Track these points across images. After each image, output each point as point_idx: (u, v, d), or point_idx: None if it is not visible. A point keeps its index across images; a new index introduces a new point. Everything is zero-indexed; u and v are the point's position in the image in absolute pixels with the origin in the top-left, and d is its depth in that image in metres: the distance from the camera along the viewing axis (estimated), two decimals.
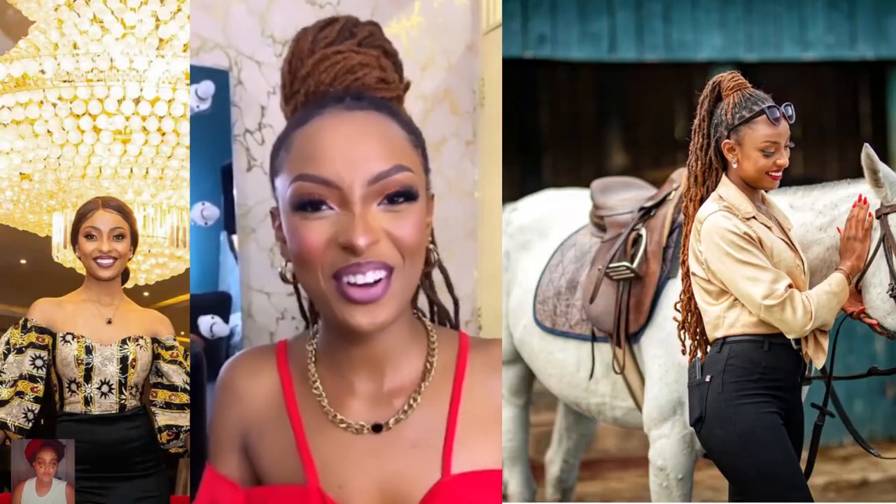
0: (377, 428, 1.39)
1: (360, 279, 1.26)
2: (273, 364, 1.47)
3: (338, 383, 1.41)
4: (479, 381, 1.42)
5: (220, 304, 3.41)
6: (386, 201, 1.28)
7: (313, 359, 1.43)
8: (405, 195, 1.28)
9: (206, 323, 3.35)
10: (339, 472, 1.37)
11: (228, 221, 3.48)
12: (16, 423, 2.62)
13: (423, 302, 1.52)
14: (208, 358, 3.32)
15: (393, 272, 1.28)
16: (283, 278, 1.43)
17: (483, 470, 1.37)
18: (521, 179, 5.62)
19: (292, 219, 1.30)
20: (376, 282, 1.27)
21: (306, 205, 1.28)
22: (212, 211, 3.42)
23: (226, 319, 3.40)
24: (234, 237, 3.48)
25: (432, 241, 1.46)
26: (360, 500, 1.36)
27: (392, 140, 1.30)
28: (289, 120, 1.40)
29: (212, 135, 3.45)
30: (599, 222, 2.91)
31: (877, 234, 2.29)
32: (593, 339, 2.77)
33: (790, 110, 2.24)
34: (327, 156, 1.27)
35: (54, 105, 3.35)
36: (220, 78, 3.46)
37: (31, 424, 2.64)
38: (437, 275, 1.52)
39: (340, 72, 1.35)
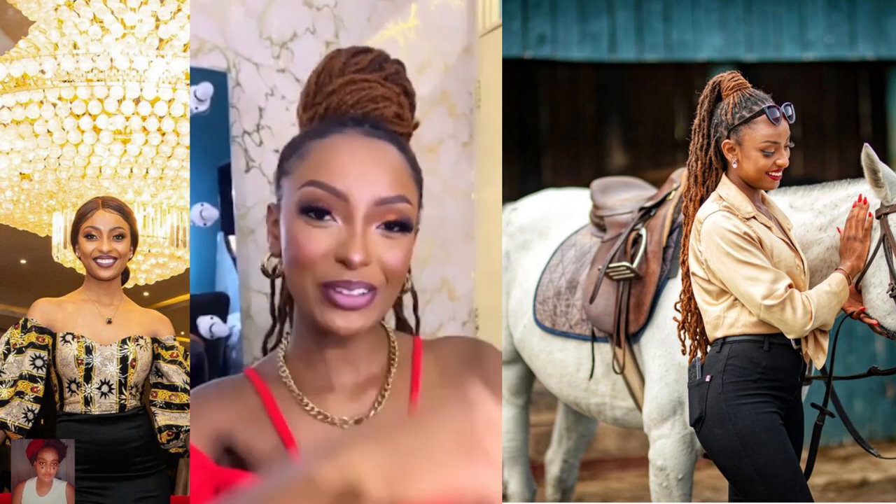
0: (359, 422, 1.45)
1: (344, 293, 1.35)
2: (247, 383, 1.51)
3: (315, 381, 1.48)
4: (435, 371, 1.52)
5: (218, 305, 3.41)
6: (384, 226, 1.38)
7: (283, 362, 1.50)
8: (402, 225, 1.39)
9: (206, 323, 3.34)
10: None
11: (225, 222, 3.47)
12: (16, 423, 2.62)
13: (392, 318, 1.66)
14: (208, 358, 3.32)
15: (376, 291, 1.38)
16: (265, 272, 1.51)
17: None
18: (520, 179, 5.63)
19: (296, 221, 1.38)
20: (361, 296, 1.36)
21: (313, 210, 1.36)
22: (210, 212, 3.41)
23: (223, 320, 3.39)
24: (231, 238, 3.47)
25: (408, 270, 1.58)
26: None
27: (401, 173, 1.41)
28: (305, 126, 1.50)
29: (210, 136, 3.44)
30: (599, 222, 2.91)
31: (877, 234, 2.29)
32: (593, 339, 2.77)
33: (790, 110, 2.24)
34: (343, 171, 1.37)
35: (54, 105, 3.35)
36: (218, 79, 3.45)
37: (31, 424, 2.64)
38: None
39: (364, 98, 1.46)
